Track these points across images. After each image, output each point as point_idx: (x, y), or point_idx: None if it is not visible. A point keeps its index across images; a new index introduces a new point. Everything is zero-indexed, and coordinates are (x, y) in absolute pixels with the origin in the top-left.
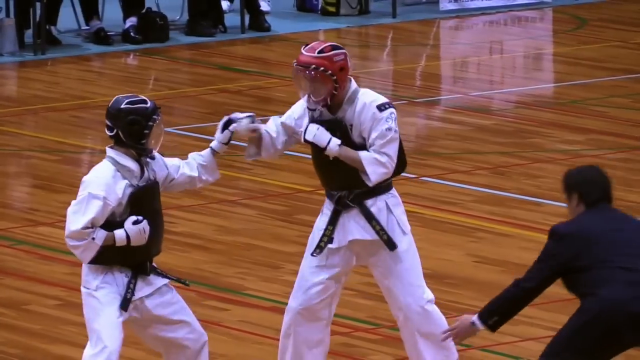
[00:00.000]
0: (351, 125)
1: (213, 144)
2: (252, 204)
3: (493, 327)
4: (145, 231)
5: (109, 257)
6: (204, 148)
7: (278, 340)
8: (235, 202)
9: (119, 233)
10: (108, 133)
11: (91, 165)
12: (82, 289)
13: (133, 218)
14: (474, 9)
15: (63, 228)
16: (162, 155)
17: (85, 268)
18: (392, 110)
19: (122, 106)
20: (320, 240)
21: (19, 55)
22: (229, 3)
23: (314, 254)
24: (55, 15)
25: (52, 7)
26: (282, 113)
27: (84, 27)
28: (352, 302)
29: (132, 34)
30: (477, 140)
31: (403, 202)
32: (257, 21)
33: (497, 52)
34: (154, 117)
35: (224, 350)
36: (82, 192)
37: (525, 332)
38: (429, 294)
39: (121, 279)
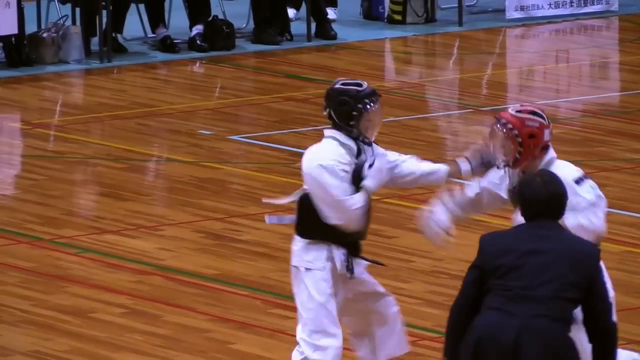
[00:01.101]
0: None
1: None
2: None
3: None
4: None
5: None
6: (270, 156)
7: (345, 349)
8: None
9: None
10: (324, 112)
11: (157, 173)
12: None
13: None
14: (540, 18)
15: (129, 236)
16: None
17: None
18: (589, 181)
19: (336, 86)
20: None
21: (85, 63)
22: (295, 11)
23: None
24: (122, 23)
25: (119, 15)
26: None
27: (150, 34)
28: (418, 311)
29: (198, 41)
30: None
31: None
32: (324, 29)
33: (563, 60)
34: (366, 100)
35: (288, 358)
36: (313, 166)
37: None
38: None
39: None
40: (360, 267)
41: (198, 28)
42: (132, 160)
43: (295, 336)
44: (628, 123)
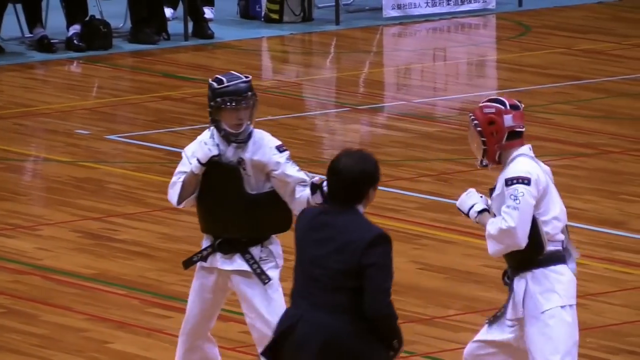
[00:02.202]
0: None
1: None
2: (196, 212)
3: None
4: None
5: None
6: (147, 155)
7: (222, 347)
8: (178, 210)
9: None
10: None
11: (35, 173)
12: None
13: None
14: (417, 16)
15: (6, 236)
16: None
17: None
18: (517, 186)
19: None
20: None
21: None
22: (172, 10)
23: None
24: None
25: None
26: None
27: (27, 34)
28: None
29: (75, 41)
30: (421, 147)
31: None
32: (201, 28)
33: (440, 59)
34: (218, 100)
35: (167, 357)
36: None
37: (468, 338)
38: None
39: None
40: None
41: (75, 28)
42: (10, 160)
43: (173, 335)
44: None
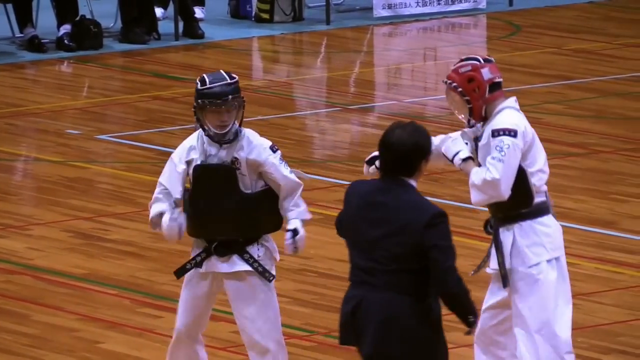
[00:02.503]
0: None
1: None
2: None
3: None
4: None
5: None
6: (138, 155)
7: (211, 347)
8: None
9: None
10: None
11: (25, 172)
12: None
13: None
14: (408, 16)
15: None
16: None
17: None
18: (504, 138)
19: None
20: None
21: None
22: (163, 10)
23: None
24: None
25: None
26: None
27: (18, 34)
28: (286, 310)
29: (66, 41)
30: None
31: (338, 208)
32: (191, 28)
33: (431, 58)
34: (200, 101)
35: (158, 357)
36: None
37: (461, 338)
38: None
39: None
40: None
41: (66, 28)
42: (0, 160)
43: (164, 335)
44: None
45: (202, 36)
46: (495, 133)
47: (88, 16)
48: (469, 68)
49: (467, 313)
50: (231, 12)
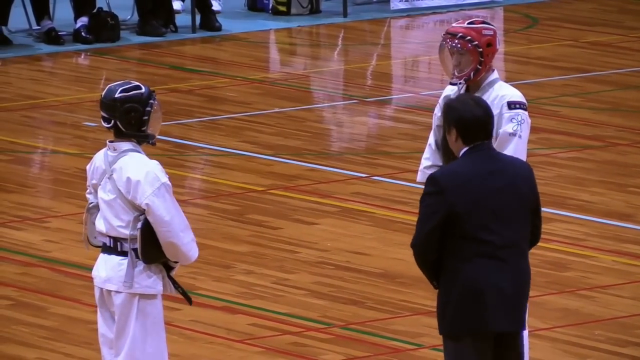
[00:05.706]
0: None
1: None
2: (204, 204)
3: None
4: None
5: None
6: (155, 148)
7: (229, 340)
8: (186, 201)
9: None
10: (105, 125)
11: (43, 165)
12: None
13: None
14: (425, 8)
15: (14, 228)
16: None
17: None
18: (520, 112)
19: (117, 95)
20: None
21: None
22: (180, 2)
23: None
24: (6, 15)
25: (3, 7)
26: (232, 112)
27: (35, 27)
28: (303, 302)
29: (83, 33)
30: None
31: (354, 201)
32: (208, 20)
33: None
34: (150, 101)
35: (175, 350)
36: (158, 187)
37: None
38: None
39: None
40: None
41: (83, 20)
42: (17, 153)
43: (181, 327)
44: None
45: (219, 29)
46: (512, 105)
47: (105, 8)
48: (491, 33)
49: None
50: (248, 4)
